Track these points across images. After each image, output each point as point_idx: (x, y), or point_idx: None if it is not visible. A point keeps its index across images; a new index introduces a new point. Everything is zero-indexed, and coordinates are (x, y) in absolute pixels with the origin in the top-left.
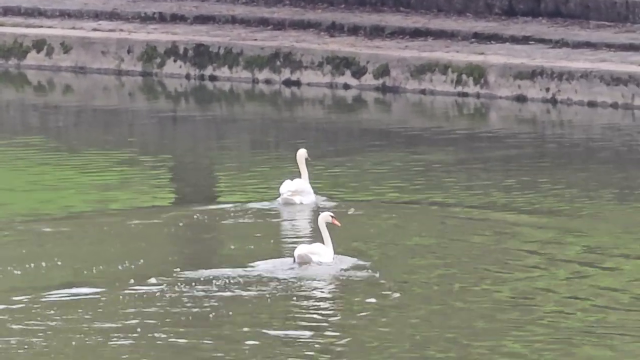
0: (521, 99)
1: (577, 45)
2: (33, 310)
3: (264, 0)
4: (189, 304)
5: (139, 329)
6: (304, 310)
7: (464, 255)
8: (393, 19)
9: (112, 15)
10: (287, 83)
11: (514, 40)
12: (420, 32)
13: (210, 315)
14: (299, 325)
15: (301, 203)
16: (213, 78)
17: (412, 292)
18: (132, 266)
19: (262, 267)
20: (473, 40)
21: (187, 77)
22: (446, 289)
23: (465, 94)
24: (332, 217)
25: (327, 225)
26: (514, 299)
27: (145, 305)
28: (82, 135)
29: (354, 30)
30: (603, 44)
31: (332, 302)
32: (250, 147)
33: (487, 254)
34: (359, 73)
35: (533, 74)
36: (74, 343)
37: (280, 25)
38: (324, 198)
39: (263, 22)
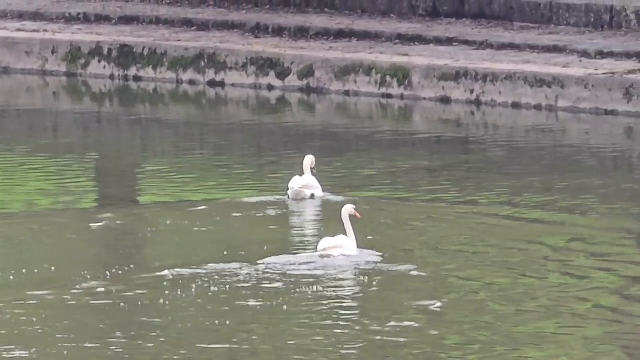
0: (445, 100)
1: (501, 46)
2: None
3: (188, 1)
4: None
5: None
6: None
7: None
8: (317, 20)
9: (36, 16)
10: (212, 84)
11: (438, 41)
12: (344, 33)
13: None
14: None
15: (312, 195)
16: (137, 79)
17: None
18: (53, 268)
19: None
20: (397, 41)
21: (112, 77)
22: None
23: (389, 95)
24: (354, 209)
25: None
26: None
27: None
28: (5, 136)
29: (279, 31)
30: (527, 46)
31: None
32: (174, 148)
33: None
34: (283, 74)
35: (457, 76)
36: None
37: (204, 26)
38: (329, 194)
39: (187, 23)
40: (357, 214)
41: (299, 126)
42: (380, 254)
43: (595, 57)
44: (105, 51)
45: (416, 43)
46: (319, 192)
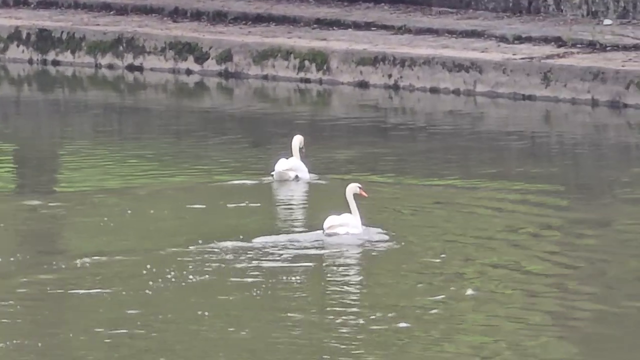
0: (363, 85)
1: (420, 31)
2: None
3: None
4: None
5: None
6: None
7: None
8: (236, 5)
9: None
10: (130, 68)
11: (357, 26)
12: (262, 17)
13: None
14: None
15: (296, 177)
16: (56, 63)
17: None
18: None
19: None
20: (315, 26)
21: (30, 62)
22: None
23: (307, 80)
24: (359, 187)
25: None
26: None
27: None
28: None
29: (197, 15)
30: (445, 31)
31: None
32: (94, 133)
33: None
34: (201, 59)
35: (375, 60)
36: None
37: (122, 11)
38: (317, 176)
39: (106, 7)
40: (363, 193)
41: (218, 111)
42: (386, 232)
43: (514, 42)
44: (24, 35)
45: (334, 28)
46: (304, 174)
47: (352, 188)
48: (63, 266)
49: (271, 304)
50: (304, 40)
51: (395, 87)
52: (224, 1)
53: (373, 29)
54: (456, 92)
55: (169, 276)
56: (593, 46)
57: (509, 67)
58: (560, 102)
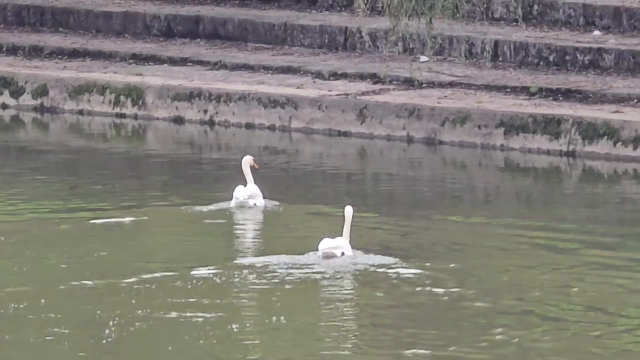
0: (179, 120)
1: (235, 67)
2: None
3: None
4: None
5: None
6: None
7: None
8: (52, 39)
9: None
10: None
11: (172, 61)
12: (78, 52)
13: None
14: None
15: (255, 205)
16: None
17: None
18: None
19: None
20: (131, 61)
21: None
22: None
23: (123, 115)
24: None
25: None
26: None
27: None
28: None
29: (13, 50)
30: (261, 66)
31: None
32: None
33: None
34: (17, 93)
35: (191, 96)
36: None
37: None
38: (276, 203)
39: None
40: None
41: (32, 145)
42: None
43: (329, 78)
44: None
45: (150, 63)
46: (260, 200)
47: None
48: None
49: None
50: (119, 75)
51: (211, 123)
52: (40, 35)
53: (189, 64)
54: (271, 127)
55: None
56: (409, 83)
57: (324, 104)
58: (375, 138)
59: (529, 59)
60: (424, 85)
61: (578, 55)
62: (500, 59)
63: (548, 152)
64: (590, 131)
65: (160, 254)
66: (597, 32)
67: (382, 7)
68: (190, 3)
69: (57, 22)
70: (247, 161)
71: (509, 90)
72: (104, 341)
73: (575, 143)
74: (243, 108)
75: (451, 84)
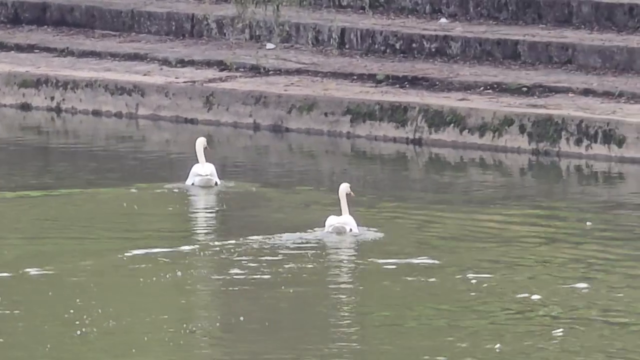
0: (25, 107)
1: (82, 54)
2: None
3: None
4: None
5: None
6: None
7: None
8: None
9: None
10: None
11: (19, 48)
12: None
13: None
14: None
15: (216, 183)
16: None
17: None
18: None
19: None
20: None
21: None
22: None
23: None
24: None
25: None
26: None
27: None
28: None
29: None
30: (108, 54)
31: None
32: None
33: None
34: None
35: (38, 83)
36: None
37: None
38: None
39: None
40: (352, 193)
41: None
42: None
43: (176, 66)
44: None
45: None
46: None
47: (345, 188)
48: None
49: None
50: None
51: (58, 110)
52: None
53: (36, 51)
54: (118, 115)
55: None
56: (256, 70)
57: (171, 91)
58: (222, 125)
59: (376, 46)
60: (270, 72)
61: (425, 43)
62: (347, 46)
63: (394, 140)
64: (437, 119)
65: None
66: (443, 20)
67: None
68: None
69: None
70: (201, 142)
71: (355, 77)
72: None
73: (422, 131)
74: (90, 95)
75: (298, 72)
